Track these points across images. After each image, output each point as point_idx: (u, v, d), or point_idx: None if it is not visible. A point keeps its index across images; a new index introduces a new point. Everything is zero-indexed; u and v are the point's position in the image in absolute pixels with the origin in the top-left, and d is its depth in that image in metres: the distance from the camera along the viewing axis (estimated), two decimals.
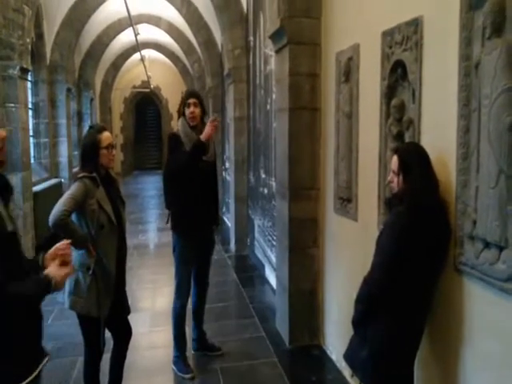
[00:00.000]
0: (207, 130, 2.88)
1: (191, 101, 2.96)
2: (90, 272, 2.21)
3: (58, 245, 1.59)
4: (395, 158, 1.87)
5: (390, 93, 2.25)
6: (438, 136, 1.88)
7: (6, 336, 1.43)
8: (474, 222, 1.63)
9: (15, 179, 5.41)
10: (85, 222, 2.22)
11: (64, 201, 2.14)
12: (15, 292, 1.40)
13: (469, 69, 1.65)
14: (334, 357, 3.17)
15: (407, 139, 2.09)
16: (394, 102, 2.20)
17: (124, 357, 2.52)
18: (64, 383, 2.93)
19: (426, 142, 1.95)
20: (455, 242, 1.74)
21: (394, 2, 2.25)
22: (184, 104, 3.00)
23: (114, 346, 2.51)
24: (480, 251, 1.61)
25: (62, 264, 1.55)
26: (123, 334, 2.49)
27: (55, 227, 2.10)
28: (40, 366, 1.57)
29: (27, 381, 1.49)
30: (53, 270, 1.51)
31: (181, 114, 3.04)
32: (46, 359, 1.62)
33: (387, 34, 2.24)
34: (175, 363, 3.12)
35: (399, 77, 2.18)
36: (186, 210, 2.98)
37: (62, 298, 2.31)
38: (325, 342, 3.35)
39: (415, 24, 1.99)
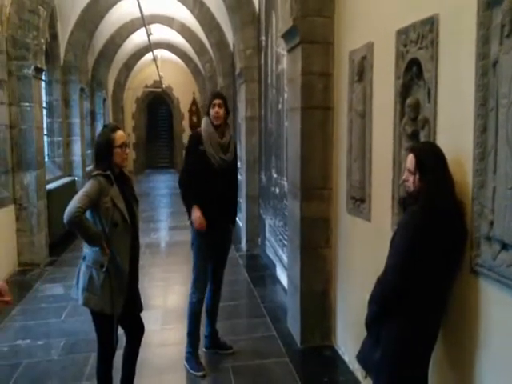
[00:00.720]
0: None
1: (217, 101, 3.09)
2: (104, 269, 2.23)
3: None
4: (411, 157, 1.84)
5: (404, 92, 2.23)
6: (454, 136, 1.86)
7: None
8: (491, 223, 1.60)
9: (29, 177, 5.50)
10: (99, 220, 2.24)
11: (78, 198, 2.16)
12: None
13: (486, 68, 1.62)
14: (346, 358, 3.15)
15: (422, 139, 2.07)
16: (408, 100, 2.17)
17: (136, 354, 2.54)
18: (77, 379, 2.96)
19: (442, 142, 1.93)
20: (471, 244, 1.72)
21: (409, 0, 2.23)
22: (210, 104, 3.13)
23: (127, 343, 2.53)
24: (497, 253, 1.58)
25: None
26: (136, 332, 2.51)
27: (70, 224, 2.13)
28: None
29: None
30: None
31: (206, 111, 3.19)
32: None
33: (402, 33, 2.22)
34: (187, 360, 3.14)
35: (414, 75, 2.16)
36: (204, 208, 3.04)
37: (76, 294, 2.33)
38: (337, 343, 3.33)
39: (431, 22, 1.97)
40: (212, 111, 3.09)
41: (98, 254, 2.24)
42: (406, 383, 1.85)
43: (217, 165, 3.04)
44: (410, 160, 1.84)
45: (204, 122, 3.15)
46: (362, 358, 2.00)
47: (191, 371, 3.07)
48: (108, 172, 2.26)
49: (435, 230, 1.71)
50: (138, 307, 2.51)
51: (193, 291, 3.15)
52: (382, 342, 1.85)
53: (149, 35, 9.56)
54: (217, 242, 3.16)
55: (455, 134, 1.85)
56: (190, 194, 3.11)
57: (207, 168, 3.03)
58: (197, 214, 3.03)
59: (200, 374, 3.04)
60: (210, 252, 3.15)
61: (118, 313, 2.29)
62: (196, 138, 3.10)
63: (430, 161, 1.79)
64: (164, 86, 15.79)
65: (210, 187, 3.04)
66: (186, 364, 3.14)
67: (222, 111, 3.08)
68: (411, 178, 1.83)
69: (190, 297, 3.17)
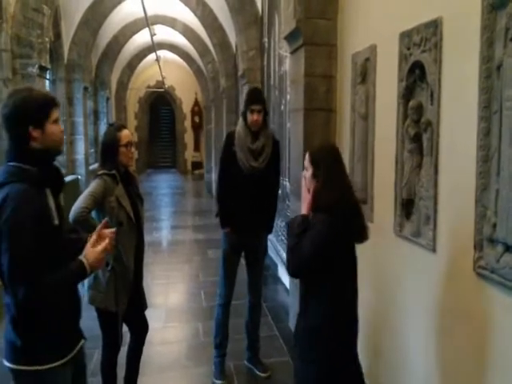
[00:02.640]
0: None
1: (255, 107, 2.82)
2: (109, 268, 2.24)
3: (107, 230, 1.65)
4: (307, 155, 1.92)
5: (407, 94, 2.24)
6: (458, 138, 1.86)
7: (42, 320, 1.50)
8: (494, 226, 1.61)
9: None
10: (102, 219, 2.25)
11: (84, 198, 2.18)
12: (50, 283, 1.45)
13: (490, 70, 1.63)
14: None
15: (425, 141, 2.08)
16: (411, 103, 2.19)
17: (141, 351, 2.56)
18: None
19: (445, 144, 1.94)
20: (474, 246, 1.73)
21: (412, 3, 2.24)
22: (246, 107, 2.86)
23: (131, 341, 2.55)
24: (500, 255, 1.59)
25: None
26: (140, 329, 2.52)
27: (75, 223, 2.15)
28: (75, 350, 1.63)
29: (60, 362, 1.55)
30: (86, 251, 1.55)
31: (242, 112, 2.94)
32: (82, 342, 1.69)
33: (405, 35, 2.23)
34: (213, 363, 3.08)
35: (417, 78, 2.17)
36: (231, 212, 2.96)
37: (83, 291, 2.35)
38: None
39: (434, 25, 1.98)
40: (250, 117, 2.83)
41: None
42: (325, 359, 1.85)
43: (246, 171, 2.86)
44: (306, 158, 1.92)
45: (239, 125, 2.94)
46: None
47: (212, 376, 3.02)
48: (113, 171, 2.27)
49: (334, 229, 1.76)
50: (143, 305, 2.52)
51: (217, 294, 3.11)
52: (306, 315, 1.90)
53: (152, 36, 9.58)
54: (247, 249, 3.05)
55: (458, 136, 1.86)
56: (222, 194, 3.01)
57: (238, 172, 2.86)
58: (226, 229, 2.97)
59: (218, 382, 2.96)
60: (237, 256, 3.03)
61: (123, 310, 2.31)
62: (230, 139, 2.93)
63: (322, 159, 1.86)
64: (166, 86, 15.82)
65: (240, 192, 2.89)
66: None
67: (260, 118, 2.83)
68: (307, 175, 1.90)
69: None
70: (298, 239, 1.79)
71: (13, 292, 1.42)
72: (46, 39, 5.66)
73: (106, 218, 1.73)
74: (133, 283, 2.35)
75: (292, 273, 1.91)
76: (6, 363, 1.55)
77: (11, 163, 1.52)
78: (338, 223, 1.76)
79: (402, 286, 2.37)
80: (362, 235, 1.91)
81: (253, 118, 2.83)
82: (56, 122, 1.55)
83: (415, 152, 2.17)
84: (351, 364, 1.91)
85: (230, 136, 2.95)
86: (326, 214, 1.77)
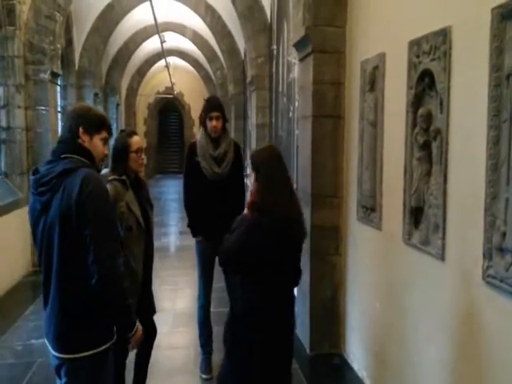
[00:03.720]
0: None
1: (214, 114, 2.95)
2: None
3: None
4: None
5: (416, 102, 2.24)
6: (467, 147, 1.86)
7: (109, 299, 1.63)
8: (504, 235, 1.61)
9: None
10: None
11: None
12: (120, 269, 1.63)
13: (500, 79, 1.63)
14: (355, 366, 3.14)
15: (434, 149, 2.08)
16: (420, 111, 2.19)
17: (149, 355, 2.57)
18: None
19: (454, 153, 1.94)
20: (483, 255, 1.72)
21: (422, 11, 2.25)
22: (205, 115, 2.98)
23: (140, 345, 2.55)
24: (510, 264, 1.58)
25: None
26: (148, 334, 2.53)
27: None
28: (112, 341, 1.73)
29: (111, 343, 1.71)
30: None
31: (201, 121, 3.05)
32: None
33: (414, 44, 2.24)
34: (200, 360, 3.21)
35: (426, 86, 2.17)
36: (201, 220, 3.09)
37: None
38: (346, 351, 3.32)
39: (443, 34, 1.99)
40: (209, 124, 2.95)
41: None
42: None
43: (210, 177, 2.97)
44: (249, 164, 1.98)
45: (200, 133, 3.06)
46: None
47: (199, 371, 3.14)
48: (123, 177, 2.29)
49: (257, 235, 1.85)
50: (152, 310, 2.53)
51: (196, 298, 3.25)
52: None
53: (162, 42, 9.68)
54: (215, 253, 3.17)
55: (468, 145, 1.86)
56: (189, 204, 3.14)
57: (203, 180, 2.98)
58: (198, 238, 3.14)
59: (204, 376, 3.09)
60: (208, 260, 3.11)
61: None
62: (191, 149, 3.04)
63: (260, 163, 1.91)
64: (175, 92, 15.95)
65: (207, 199, 3.01)
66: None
67: (219, 124, 2.96)
68: (251, 178, 1.95)
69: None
70: (230, 234, 1.92)
71: (98, 263, 1.54)
72: (58, 46, 5.75)
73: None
74: (142, 288, 2.36)
75: (219, 263, 2.02)
76: (62, 355, 1.62)
77: (68, 155, 1.64)
78: (264, 225, 1.83)
79: (410, 294, 2.35)
80: (295, 239, 1.96)
81: (212, 124, 2.94)
82: (104, 141, 1.74)
83: (424, 160, 2.16)
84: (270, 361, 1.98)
85: (192, 146, 3.07)
86: (262, 214, 1.85)
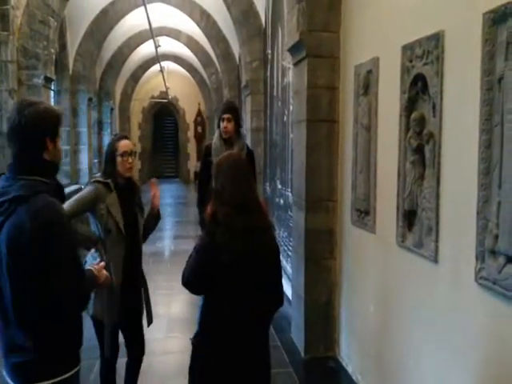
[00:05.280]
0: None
1: (225, 116, 3.19)
2: None
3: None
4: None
5: (409, 106, 2.26)
6: (459, 150, 1.88)
7: (58, 331, 1.47)
8: (496, 237, 1.62)
9: None
10: (96, 225, 2.28)
11: (68, 202, 2.14)
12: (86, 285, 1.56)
13: (491, 83, 1.65)
14: (349, 369, 3.14)
15: (427, 152, 2.10)
16: (414, 115, 2.21)
17: (139, 361, 2.51)
18: None
19: (447, 156, 1.96)
20: (476, 257, 1.73)
21: (414, 16, 2.27)
22: (220, 117, 3.23)
23: (127, 354, 2.51)
24: (502, 266, 1.59)
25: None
26: (134, 350, 2.47)
27: None
28: (76, 368, 1.61)
29: (74, 371, 1.56)
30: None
31: (218, 124, 3.29)
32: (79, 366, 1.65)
33: (407, 48, 2.26)
34: None
35: (419, 90, 2.19)
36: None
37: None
38: (340, 354, 3.32)
39: (436, 38, 2.01)
40: (221, 125, 3.19)
41: (92, 259, 2.23)
42: None
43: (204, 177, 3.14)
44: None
45: (215, 134, 3.30)
46: None
47: None
48: (108, 180, 2.28)
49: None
50: (140, 319, 2.47)
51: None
52: None
53: (156, 47, 9.70)
54: None
55: (460, 148, 1.87)
56: (202, 201, 3.25)
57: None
58: None
59: None
60: None
61: (112, 321, 2.26)
62: (207, 150, 3.28)
63: (220, 173, 1.83)
64: (170, 96, 15.96)
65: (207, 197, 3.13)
66: None
67: (230, 126, 3.18)
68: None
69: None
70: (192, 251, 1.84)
71: (63, 288, 1.41)
72: (52, 51, 5.74)
73: (103, 263, 1.74)
74: (128, 296, 2.31)
75: (182, 282, 1.94)
76: None
77: (24, 176, 1.43)
78: (214, 242, 1.71)
79: (403, 296, 2.36)
80: (258, 251, 1.78)
81: (223, 125, 3.19)
82: (59, 138, 1.55)
83: (417, 163, 2.18)
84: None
85: (207, 148, 3.30)
86: (219, 226, 1.74)
